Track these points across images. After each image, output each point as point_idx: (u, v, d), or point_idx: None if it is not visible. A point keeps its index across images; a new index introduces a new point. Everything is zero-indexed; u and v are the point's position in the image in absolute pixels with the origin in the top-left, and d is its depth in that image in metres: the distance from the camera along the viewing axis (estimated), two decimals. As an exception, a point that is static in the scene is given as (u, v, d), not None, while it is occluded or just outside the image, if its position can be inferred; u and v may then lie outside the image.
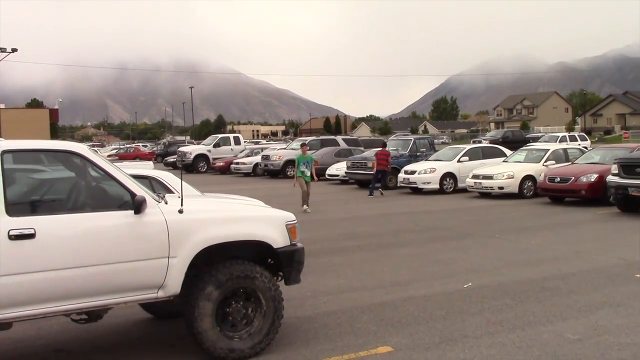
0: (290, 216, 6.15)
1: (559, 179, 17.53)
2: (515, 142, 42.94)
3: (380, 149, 22.76)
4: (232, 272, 5.61)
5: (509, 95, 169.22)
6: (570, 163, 19.15)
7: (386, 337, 6.23)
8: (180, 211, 5.46)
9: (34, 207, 5.23)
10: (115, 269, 5.16)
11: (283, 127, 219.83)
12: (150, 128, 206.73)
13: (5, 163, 4.95)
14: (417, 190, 22.10)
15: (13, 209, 4.90)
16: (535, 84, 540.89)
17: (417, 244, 11.76)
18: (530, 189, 19.47)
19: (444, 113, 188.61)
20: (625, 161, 15.20)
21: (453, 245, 11.50)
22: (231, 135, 43.48)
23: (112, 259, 5.15)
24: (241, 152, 38.82)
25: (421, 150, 25.59)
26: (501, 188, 19.40)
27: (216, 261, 5.70)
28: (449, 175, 21.74)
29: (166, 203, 5.53)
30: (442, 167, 21.84)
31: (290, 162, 32.17)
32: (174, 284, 5.43)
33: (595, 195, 16.77)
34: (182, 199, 5.54)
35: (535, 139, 48.24)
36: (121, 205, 5.34)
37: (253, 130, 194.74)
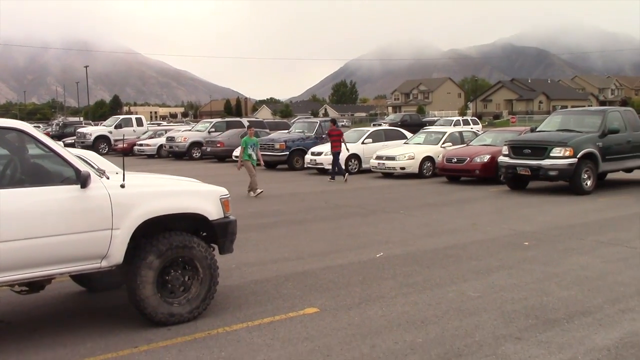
0: (223, 191, 6.62)
1: (455, 160, 18.81)
2: (413, 125, 44.79)
3: (332, 127, 20.76)
4: (172, 242, 6.01)
5: (405, 80, 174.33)
6: (465, 145, 20.54)
7: (311, 300, 6.84)
8: (122, 186, 5.80)
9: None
10: (61, 240, 5.44)
11: (182, 109, 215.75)
12: (40, 108, 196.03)
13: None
14: (323, 171, 22.79)
15: None
16: (430, 69, 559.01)
17: (329, 220, 12.45)
18: (429, 169, 20.73)
19: (343, 97, 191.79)
20: (514, 143, 16.60)
21: (362, 221, 12.29)
22: (133, 117, 42.62)
23: (58, 231, 5.42)
24: (144, 133, 38.23)
25: (327, 132, 26.35)
26: (403, 168, 20.53)
27: (153, 233, 6.06)
28: (354, 157, 22.64)
29: (108, 178, 5.84)
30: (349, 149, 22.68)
31: (195, 144, 32.21)
32: (117, 255, 5.77)
33: (488, 174, 18.16)
34: (124, 174, 5.87)
35: (432, 123, 50.52)
36: (63, 181, 5.60)
37: (151, 112, 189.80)
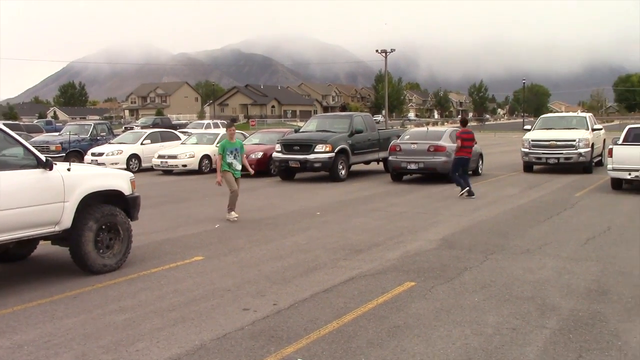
0: (130, 174, 8.83)
1: (234, 157, 21.81)
2: (164, 128, 46.75)
3: (462, 128, 16.37)
4: (104, 211, 8.10)
5: (136, 82, 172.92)
6: (238, 144, 23.67)
7: (193, 253, 9.34)
8: (69, 169, 7.76)
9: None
10: (32, 210, 7.26)
11: None
12: None
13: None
14: (103, 171, 24.13)
15: None
16: (160, 72, 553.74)
17: (153, 207, 14.49)
18: (207, 166, 23.46)
19: (72, 98, 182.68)
20: (286, 141, 20.23)
21: (182, 206, 14.73)
22: None
23: (31, 203, 7.24)
24: None
25: (101, 134, 27.53)
26: (185, 166, 22.99)
27: (84, 205, 8.04)
28: (134, 156, 24.41)
29: (56, 164, 7.74)
30: (128, 149, 24.41)
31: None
32: (67, 221, 7.71)
33: (262, 168, 21.52)
34: (69, 162, 7.82)
35: (183, 126, 52.99)
36: (22, 166, 7.39)
37: None
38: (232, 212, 12.47)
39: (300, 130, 21.65)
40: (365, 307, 6.55)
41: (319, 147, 19.36)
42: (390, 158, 19.44)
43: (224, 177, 12.74)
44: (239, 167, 12.85)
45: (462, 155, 15.70)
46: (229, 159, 12.70)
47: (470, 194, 15.37)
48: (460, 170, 15.75)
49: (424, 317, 6.24)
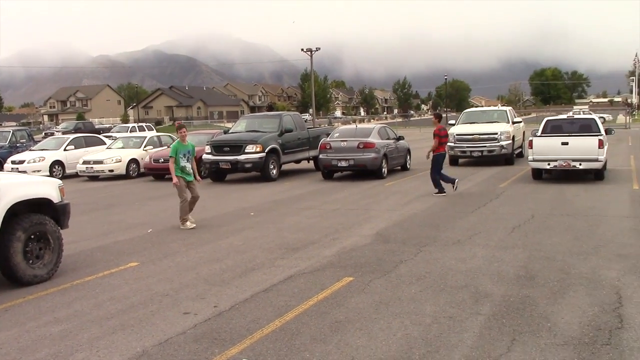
0: (59, 181, 8.58)
1: (162, 160, 21.44)
2: (87, 132, 45.48)
3: (438, 125, 15.52)
4: (32, 220, 7.84)
5: (54, 86, 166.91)
6: (166, 147, 23.31)
7: (127, 259, 9.16)
8: (-6, 179, 7.48)
9: None
10: (-44, 222, 6.97)
11: None
12: None
13: None
14: (24, 179, 23.25)
15: None
16: (80, 75, 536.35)
17: (82, 214, 14.06)
18: (135, 170, 22.99)
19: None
20: (216, 142, 20.06)
21: (110, 212, 14.40)
22: None
23: (-46, 215, 6.95)
24: None
25: (21, 141, 26.51)
26: (111, 171, 22.43)
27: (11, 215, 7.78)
28: (58, 163, 23.61)
29: (-21, 173, 7.45)
30: (51, 156, 23.59)
31: None
32: (-7, 232, 7.43)
33: (192, 171, 21.26)
34: (-6, 170, 7.53)
35: (107, 130, 51.67)
36: (-56, 177, 7.09)
37: None
38: (187, 222, 11.74)
39: (230, 131, 21.52)
40: (306, 304, 6.62)
41: (250, 148, 19.30)
42: (320, 156, 19.60)
43: (176, 184, 11.93)
44: (191, 170, 12.17)
45: (441, 151, 15.17)
46: (182, 162, 12.02)
47: (442, 191, 15.09)
48: (440, 167, 15.15)
49: (364, 310, 6.36)
